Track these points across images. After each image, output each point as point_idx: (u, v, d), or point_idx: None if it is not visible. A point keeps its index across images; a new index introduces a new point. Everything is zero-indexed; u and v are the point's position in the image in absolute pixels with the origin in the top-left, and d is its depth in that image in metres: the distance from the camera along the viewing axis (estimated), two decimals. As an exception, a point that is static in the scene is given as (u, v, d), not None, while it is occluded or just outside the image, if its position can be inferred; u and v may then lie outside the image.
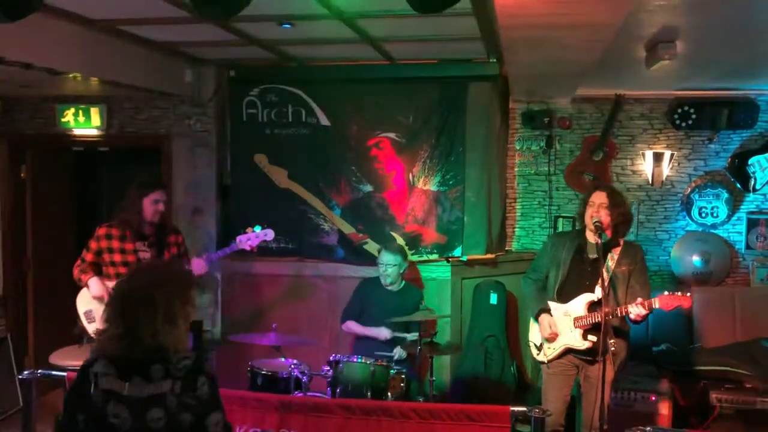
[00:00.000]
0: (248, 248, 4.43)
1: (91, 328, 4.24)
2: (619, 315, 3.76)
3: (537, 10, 2.91)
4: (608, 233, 3.91)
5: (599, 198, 3.89)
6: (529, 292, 4.20)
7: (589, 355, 3.90)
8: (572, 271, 4.00)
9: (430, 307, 5.17)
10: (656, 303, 3.67)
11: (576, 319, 3.89)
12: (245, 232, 4.46)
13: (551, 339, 3.96)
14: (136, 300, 2.17)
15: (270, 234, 4.47)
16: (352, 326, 4.92)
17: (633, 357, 4.70)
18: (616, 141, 5.80)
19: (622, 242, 3.98)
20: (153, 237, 4.36)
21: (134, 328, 2.14)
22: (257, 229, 4.47)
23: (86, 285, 4.24)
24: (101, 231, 4.33)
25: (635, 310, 3.68)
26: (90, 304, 4.25)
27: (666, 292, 3.70)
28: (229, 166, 5.95)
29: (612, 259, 3.91)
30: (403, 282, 5.00)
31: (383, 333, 4.75)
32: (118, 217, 4.35)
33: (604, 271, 3.77)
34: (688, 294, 3.67)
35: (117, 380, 2.12)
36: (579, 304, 3.91)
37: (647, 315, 3.72)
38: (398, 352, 4.70)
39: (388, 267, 4.85)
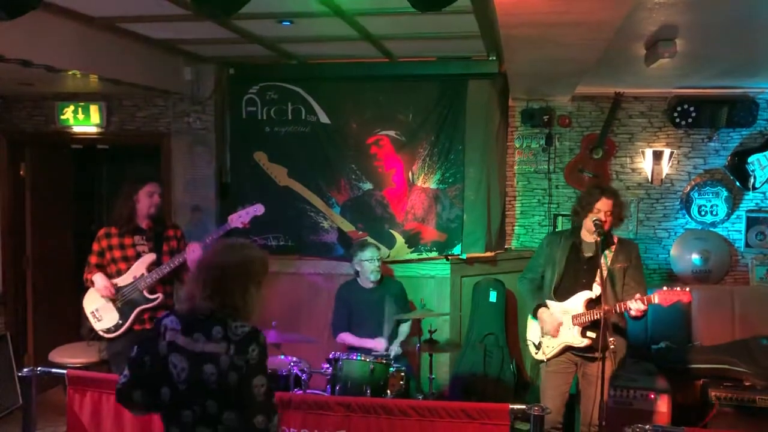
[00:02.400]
0: (241, 225, 4.45)
1: (99, 326, 4.26)
2: (619, 311, 3.76)
3: (537, 7, 2.91)
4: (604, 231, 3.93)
5: (606, 205, 3.87)
6: (525, 290, 4.22)
7: (588, 352, 3.91)
8: (568, 269, 4.02)
9: (411, 300, 5.22)
10: (655, 298, 3.68)
11: (574, 317, 3.90)
12: (235, 211, 4.49)
13: (554, 333, 3.96)
14: (233, 268, 2.44)
15: (260, 208, 4.48)
16: (347, 338, 4.90)
17: (632, 355, 4.71)
18: (616, 139, 5.80)
19: (616, 239, 4.01)
20: (150, 231, 4.38)
21: (227, 293, 2.40)
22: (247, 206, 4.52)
23: (92, 282, 4.26)
24: (101, 232, 4.38)
25: (635, 306, 3.69)
26: (96, 303, 4.27)
27: (665, 288, 3.71)
28: (228, 164, 5.95)
29: (608, 256, 3.92)
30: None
31: (380, 344, 4.75)
32: (114, 216, 4.38)
33: (603, 266, 3.77)
34: (687, 289, 3.68)
35: (180, 335, 2.40)
36: (577, 301, 3.92)
37: (646, 311, 3.73)
38: (394, 350, 4.71)
39: (374, 262, 4.93)
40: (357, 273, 5.04)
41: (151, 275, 4.25)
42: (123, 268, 4.29)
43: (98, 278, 4.24)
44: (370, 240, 5.54)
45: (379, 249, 5.16)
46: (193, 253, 4.29)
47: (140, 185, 4.31)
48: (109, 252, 4.31)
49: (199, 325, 2.39)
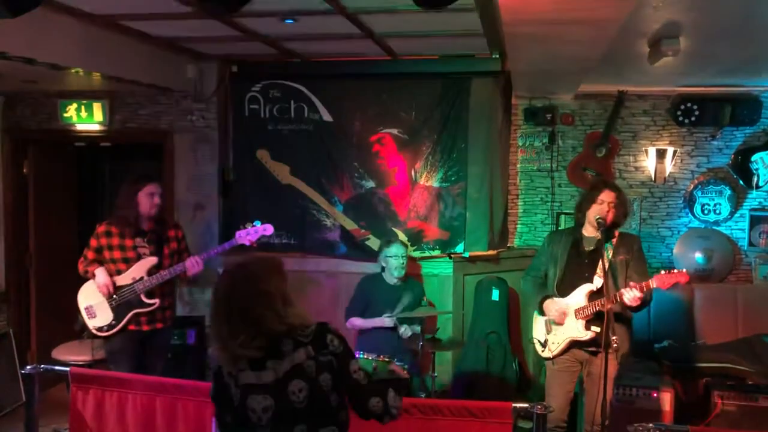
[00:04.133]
0: (248, 243, 4.44)
1: (92, 323, 4.24)
2: (618, 301, 3.76)
3: (540, 6, 2.90)
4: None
5: (609, 197, 3.91)
6: (529, 288, 4.23)
7: (593, 346, 3.91)
8: (569, 265, 4.03)
9: (431, 301, 5.20)
10: (653, 283, 3.68)
11: (577, 311, 3.90)
12: (244, 228, 4.47)
13: (561, 320, 3.96)
14: (251, 300, 2.21)
15: (269, 229, 4.48)
16: (356, 322, 4.93)
17: (635, 353, 4.71)
18: (619, 137, 5.79)
19: (617, 233, 4.01)
20: (152, 233, 4.36)
21: (261, 324, 2.18)
22: (257, 224, 4.49)
23: (92, 275, 4.24)
24: (101, 228, 4.32)
25: (629, 294, 3.69)
26: (91, 299, 4.25)
27: (662, 272, 3.71)
28: (231, 162, 5.95)
29: (609, 250, 3.92)
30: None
31: (386, 320, 4.78)
32: (116, 215, 4.34)
33: (605, 258, 3.77)
34: (684, 270, 3.67)
35: (252, 372, 2.19)
36: (579, 294, 3.93)
37: (644, 299, 3.72)
38: (404, 330, 4.71)
39: (399, 258, 4.91)
40: (383, 269, 5.04)
41: (150, 279, 4.22)
42: (123, 269, 4.25)
43: (100, 273, 4.21)
44: (367, 237, 5.54)
45: (406, 246, 5.14)
46: (195, 266, 4.28)
47: (140, 186, 4.25)
48: (108, 251, 4.27)
49: (267, 352, 2.18)
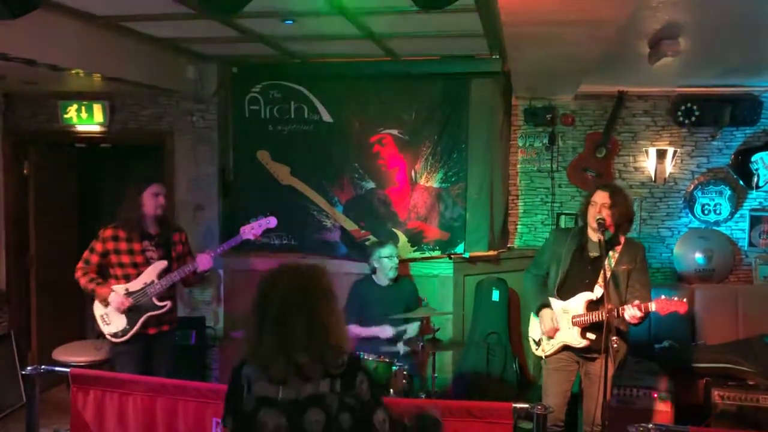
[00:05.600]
0: (252, 237, 4.45)
1: (107, 330, 4.24)
2: (620, 315, 3.75)
3: (540, 6, 2.90)
4: (610, 230, 3.90)
5: (601, 198, 3.89)
6: (530, 287, 4.21)
7: (588, 353, 3.90)
8: (572, 268, 4.00)
9: (425, 298, 5.22)
10: (653, 306, 3.65)
11: (574, 317, 3.89)
12: (248, 223, 4.48)
13: (551, 334, 3.96)
14: (295, 307, 2.08)
15: (273, 221, 4.49)
16: (354, 330, 4.90)
17: (635, 354, 4.71)
18: (619, 138, 5.79)
19: (623, 240, 3.98)
20: (159, 236, 4.36)
21: (297, 335, 2.04)
22: (260, 217, 4.50)
23: (103, 301, 4.18)
24: (107, 233, 4.27)
25: (630, 312, 3.67)
26: (105, 307, 4.25)
27: (663, 296, 3.68)
28: (231, 163, 5.96)
29: (612, 257, 3.90)
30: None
31: (386, 331, 4.76)
32: (121, 218, 4.33)
33: (606, 266, 3.76)
34: (684, 300, 3.66)
35: (270, 385, 2.04)
36: (578, 302, 3.91)
37: (643, 317, 3.71)
38: (401, 348, 4.71)
39: (394, 259, 4.92)
40: (374, 270, 5.03)
41: (161, 282, 4.22)
42: (131, 273, 4.24)
43: (113, 297, 4.16)
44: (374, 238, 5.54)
45: (398, 248, 5.14)
46: (207, 263, 4.29)
47: (144, 187, 4.26)
48: (115, 255, 4.25)
49: (292, 368, 2.03)
